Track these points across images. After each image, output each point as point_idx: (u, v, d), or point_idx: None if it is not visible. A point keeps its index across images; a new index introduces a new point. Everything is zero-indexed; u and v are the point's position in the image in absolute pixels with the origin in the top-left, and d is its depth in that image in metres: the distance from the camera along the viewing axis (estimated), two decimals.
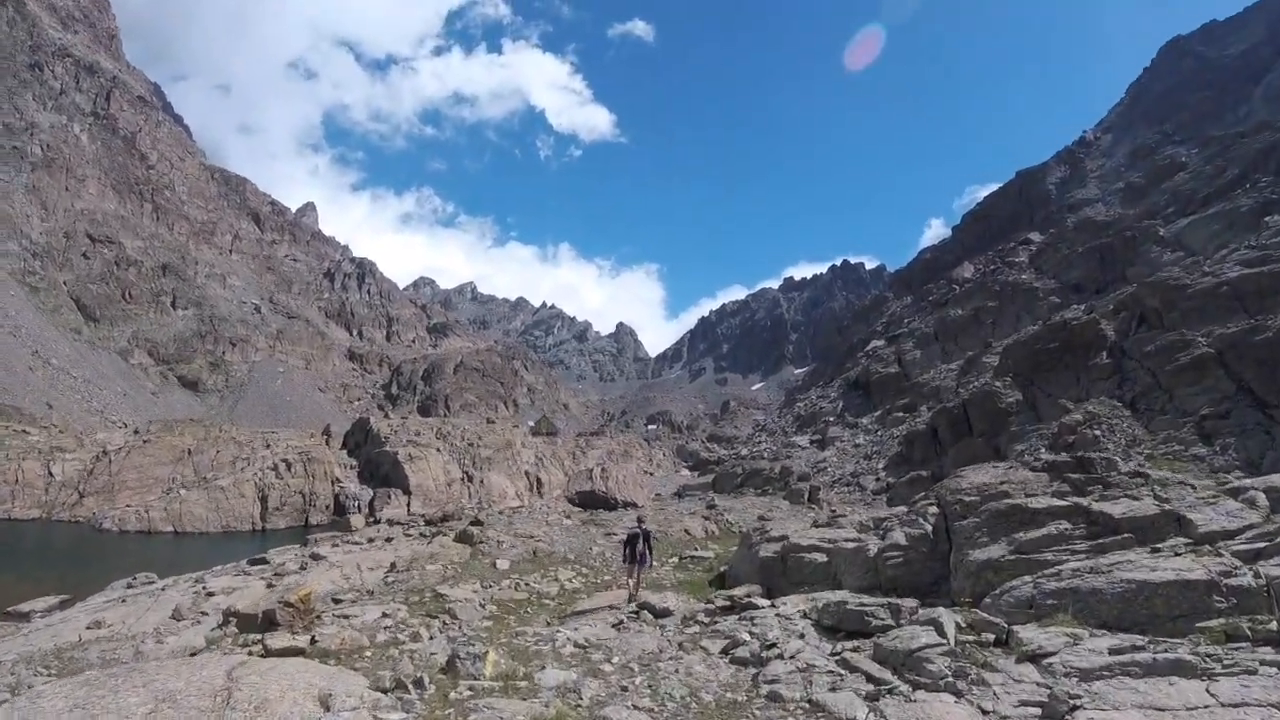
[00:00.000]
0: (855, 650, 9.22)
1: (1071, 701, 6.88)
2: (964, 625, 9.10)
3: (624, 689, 8.42)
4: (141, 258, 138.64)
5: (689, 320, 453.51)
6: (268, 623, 13.87)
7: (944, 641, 8.48)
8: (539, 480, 62.21)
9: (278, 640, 11.38)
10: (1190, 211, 59.29)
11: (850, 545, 13.99)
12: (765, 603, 11.96)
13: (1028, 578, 10.08)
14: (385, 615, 14.61)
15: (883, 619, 9.89)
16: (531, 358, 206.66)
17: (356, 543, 26.93)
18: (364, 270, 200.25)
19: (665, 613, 13.81)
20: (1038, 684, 7.45)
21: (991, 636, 8.66)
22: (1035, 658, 7.90)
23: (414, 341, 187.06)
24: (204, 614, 17.47)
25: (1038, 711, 6.95)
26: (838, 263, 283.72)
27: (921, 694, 7.58)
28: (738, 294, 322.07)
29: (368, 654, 10.94)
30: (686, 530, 30.51)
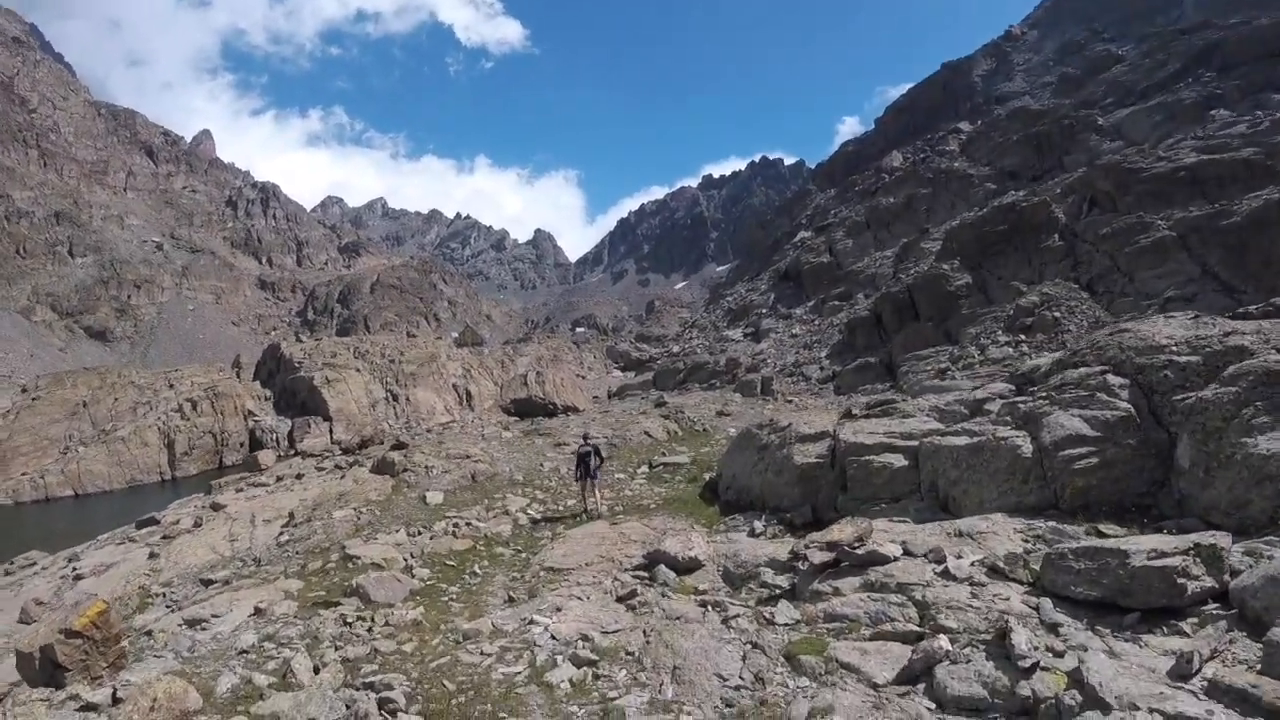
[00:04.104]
0: (1214, 657, 4.05)
1: None
2: None
3: None
4: (32, 208, 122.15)
5: (608, 224, 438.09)
6: (51, 667, 7.65)
7: None
8: (469, 393, 55.69)
9: None
10: (1130, 103, 57.05)
11: (963, 441, 8.78)
12: (895, 549, 6.62)
13: None
14: (258, 613, 8.85)
15: (1198, 577, 4.72)
16: (449, 270, 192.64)
17: (264, 484, 22.16)
18: (268, 194, 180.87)
19: (693, 565, 8.39)
20: None
21: None
22: None
23: (326, 264, 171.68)
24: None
25: None
26: (756, 159, 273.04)
27: None
28: (657, 194, 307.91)
29: None
30: (646, 432, 25.30)
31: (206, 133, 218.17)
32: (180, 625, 8.86)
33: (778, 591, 6.94)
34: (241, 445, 47.89)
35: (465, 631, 7.02)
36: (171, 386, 51.39)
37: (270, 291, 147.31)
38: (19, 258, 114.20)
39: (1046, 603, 5.24)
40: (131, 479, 43.03)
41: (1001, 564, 6.05)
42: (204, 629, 8.57)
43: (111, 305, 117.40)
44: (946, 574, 6.06)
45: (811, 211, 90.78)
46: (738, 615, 6.33)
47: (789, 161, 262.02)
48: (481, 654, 6.25)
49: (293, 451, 42.73)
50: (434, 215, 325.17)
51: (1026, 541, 6.77)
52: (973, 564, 6.15)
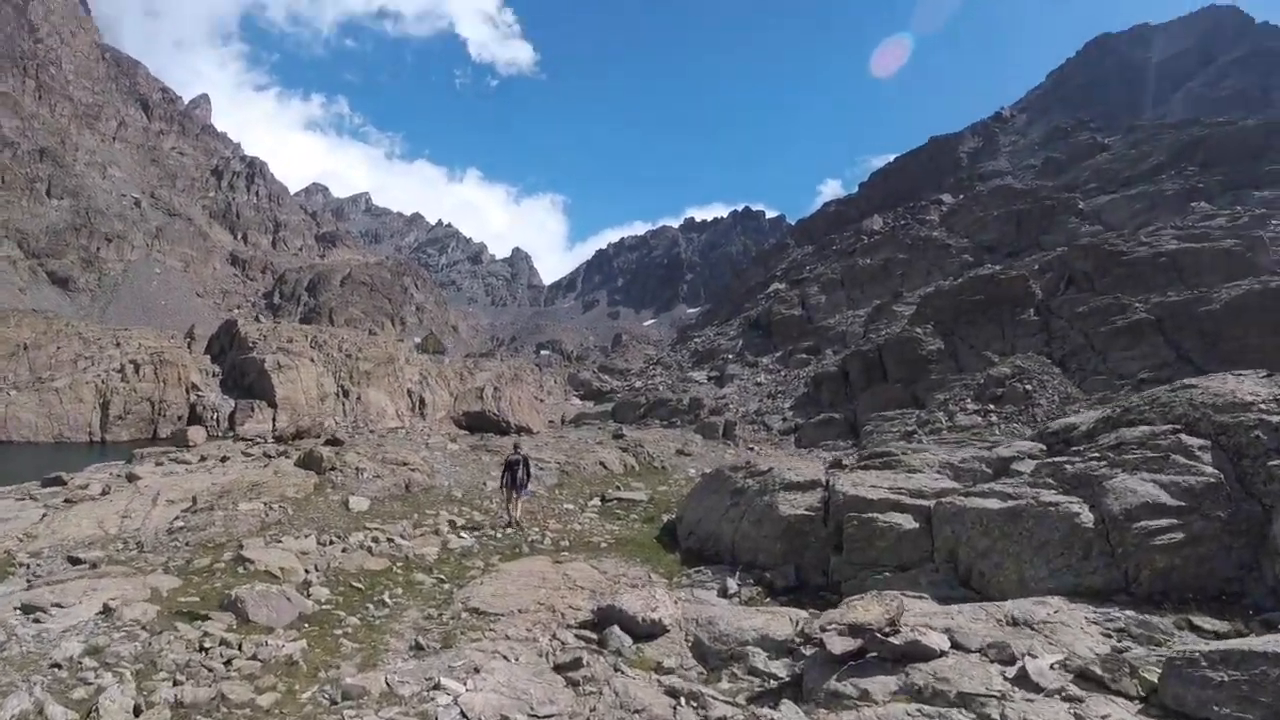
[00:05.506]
0: None
1: None
2: None
3: None
4: (18, 139, 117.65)
5: (586, 252, 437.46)
6: None
7: None
8: (423, 400, 53.18)
9: None
10: (1111, 190, 57.77)
11: (995, 505, 7.21)
12: (942, 641, 4.93)
13: None
14: (105, 612, 6.75)
15: None
16: (423, 276, 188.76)
17: (185, 462, 19.87)
18: (254, 170, 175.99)
19: (655, 630, 6.59)
20: None
21: None
22: None
23: (301, 250, 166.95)
24: None
25: None
26: (739, 208, 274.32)
27: None
28: (639, 230, 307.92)
29: None
30: (602, 463, 23.42)
31: (205, 98, 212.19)
32: (15, 610, 6.88)
33: (773, 684, 5.18)
34: (180, 418, 45.18)
35: (348, 688, 5.11)
36: (118, 345, 48.83)
37: (240, 269, 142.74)
38: None
39: None
40: (59, 434, 40.66)
41: (1097, 669, 4.41)
42: (36, 621, 6.73)
43: (80, 254, 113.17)
44: (1024, 680, 4.39)
45: (788, 265, 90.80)
46: (724, 718, 4.53)
47: (770, 215, 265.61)
48: None
49: (231, 433, 40.02)
50: (416, 219, 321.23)
51: (1107, 635, 5.21)
52: (1053, 667, 4.51)
